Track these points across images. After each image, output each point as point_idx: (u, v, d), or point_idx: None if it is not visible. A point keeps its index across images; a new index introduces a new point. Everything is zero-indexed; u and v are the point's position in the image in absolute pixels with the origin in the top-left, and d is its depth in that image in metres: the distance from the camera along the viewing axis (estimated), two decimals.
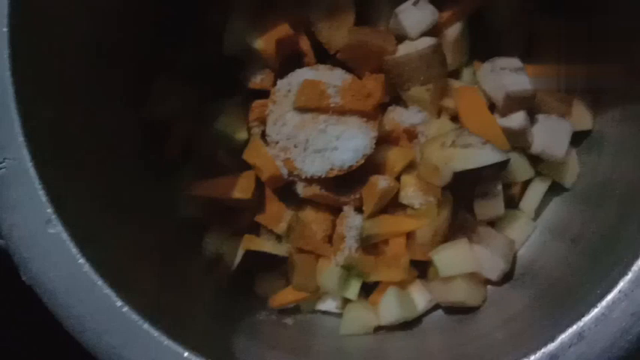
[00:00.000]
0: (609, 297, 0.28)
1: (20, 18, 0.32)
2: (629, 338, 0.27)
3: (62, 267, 0.26)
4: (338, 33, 0.43)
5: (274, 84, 0.44)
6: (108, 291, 0.26)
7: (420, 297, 0.46)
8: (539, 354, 0.27)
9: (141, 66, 0.45)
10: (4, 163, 0.27)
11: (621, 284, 0.29)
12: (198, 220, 0.47)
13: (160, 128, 0.47)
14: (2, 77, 0.29)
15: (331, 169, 0.42)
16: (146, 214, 0.41)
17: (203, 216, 0.47)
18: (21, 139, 0.27)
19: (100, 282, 0.26)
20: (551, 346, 0.27)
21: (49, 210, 0.26)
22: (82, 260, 0.26)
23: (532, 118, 0.45)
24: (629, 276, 0.29)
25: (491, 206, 0.45)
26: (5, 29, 0.31)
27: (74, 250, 0.26)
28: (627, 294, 0.28)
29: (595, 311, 0.27)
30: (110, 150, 0.38)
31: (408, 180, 0.43)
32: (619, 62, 0.42)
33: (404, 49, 0.42)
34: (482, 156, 0.40)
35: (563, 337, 0.27)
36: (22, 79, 0.31)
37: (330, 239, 0.45)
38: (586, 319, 0.27)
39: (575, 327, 0.28)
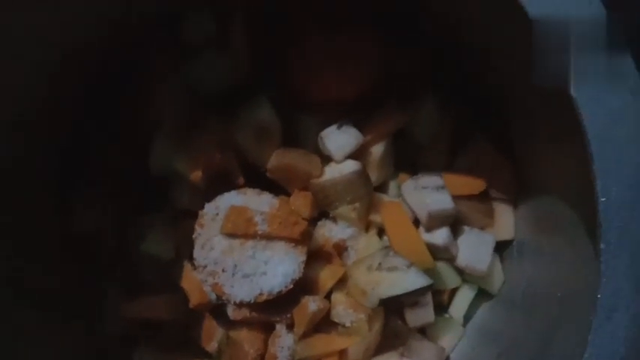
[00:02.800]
0: None
1: None
2: None
3: None
4: (266, 154, 0.43)
5: (202, 206, 0.43)
6: None
7: None
8: None
9: (63, 178, 0.45)
10: None
11: None
12: (127, 337, 0.46)
13: (84, 242, 0.46)
14: None
15: (260, 294, 0.41)
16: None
17: (132, 333, 0.46)
18: None
19: None
20: None
21: None
22: None
23: (458, 229, 0.47)
24: None
25: (422, 314, 0.46)
26: None
27: None
28: None
29: None
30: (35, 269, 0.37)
31: (339, 298, 0.44)
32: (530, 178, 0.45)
33: (329, 173, 0.43)
34: (407, 281, 0.41)
35: None
36: None
37: (262, 358, 0.45)
38: None
39: None
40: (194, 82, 0.45)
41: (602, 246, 0.26)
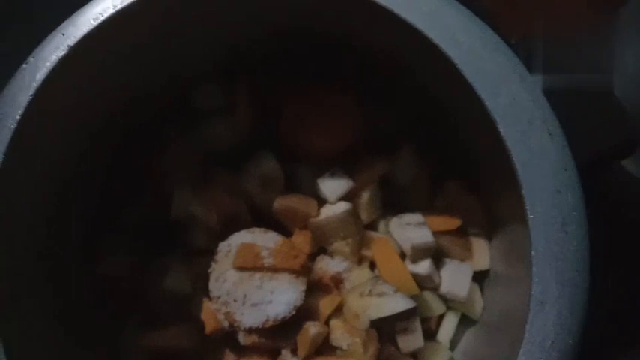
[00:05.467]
0: None
1: None
2: None
3: None
4: (270, 199, 0.51)
5: (216, 245, 0.50)
6: None
7: None
8: None
9: (90, 227, 0.52)
10: None
11: None
12: None
13: (105, 284, 0.52)
14: None
15: (267, 320, 0.47)
16: None
17: None
18: None
19: None
20: None
21: None
22: None
23: (440, 261, 0.53)
24: None
25: (412, 340, 0.51)
26: None
27: None
28: None
29: None
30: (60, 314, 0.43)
31: (336, 324, 0.50)
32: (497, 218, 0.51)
33: (325, 213, 0.50)
34: (394, 304, 0.47)
35: None
36: None
37: None
38: None
39: None
40: (204, 143, 0.53)
41: (532, 253, 0.33)
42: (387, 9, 0.34)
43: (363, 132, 0.52)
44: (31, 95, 0.37)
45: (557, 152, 0.32)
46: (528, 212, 0.33)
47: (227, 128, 0.51)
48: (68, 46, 0.38)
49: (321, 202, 0.52)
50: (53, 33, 0.39)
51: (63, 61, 0.38)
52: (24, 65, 0.39)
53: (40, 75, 0.37)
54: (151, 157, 0.52)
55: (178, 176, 0.51)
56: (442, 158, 0.54)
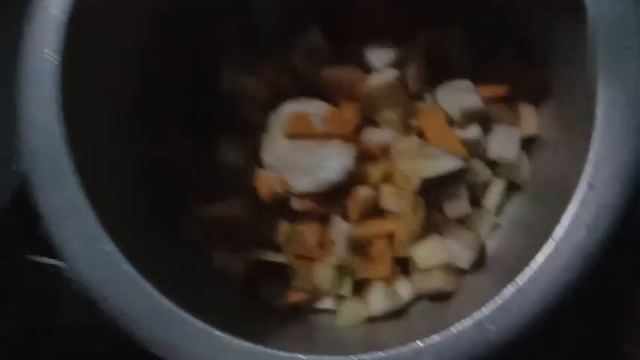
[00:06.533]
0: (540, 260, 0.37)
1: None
2: (557, 289, 0.37)
3: (113, 278, 0.34)
4: (316, 71, 0.51)
5: (266, 118, 0.51)
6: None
7: (403, 289, 0.53)
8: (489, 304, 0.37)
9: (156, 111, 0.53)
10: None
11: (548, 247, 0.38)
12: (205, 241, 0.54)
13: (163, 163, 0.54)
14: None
15: (319, 185, 0.49)
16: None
17: (209, 237, 0.54)
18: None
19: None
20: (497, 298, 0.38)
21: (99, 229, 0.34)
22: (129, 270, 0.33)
23: (488, 128, 0.53)
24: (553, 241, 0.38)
25: (458, 206, 0.53)
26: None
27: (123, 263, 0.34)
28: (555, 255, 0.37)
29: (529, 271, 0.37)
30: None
31: (386, 189, 0.51)
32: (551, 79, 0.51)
33: (372, 81, 0.50)
34: (443, 164, 0.48)
35: (506, 291, 0.38)
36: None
37: (322, 245, 0.53)
38: (523, 278, 0.37)
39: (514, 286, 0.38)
40: (254, 18, 0.53)
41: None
42: None
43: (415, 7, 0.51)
44: None
45: None
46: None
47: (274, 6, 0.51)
48: None
49: (368, 72, 0.52)
50: None
51: None
52: None
53: None
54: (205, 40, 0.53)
55: (228, 52, 0.51)
56: (491, 29, 0.53)
